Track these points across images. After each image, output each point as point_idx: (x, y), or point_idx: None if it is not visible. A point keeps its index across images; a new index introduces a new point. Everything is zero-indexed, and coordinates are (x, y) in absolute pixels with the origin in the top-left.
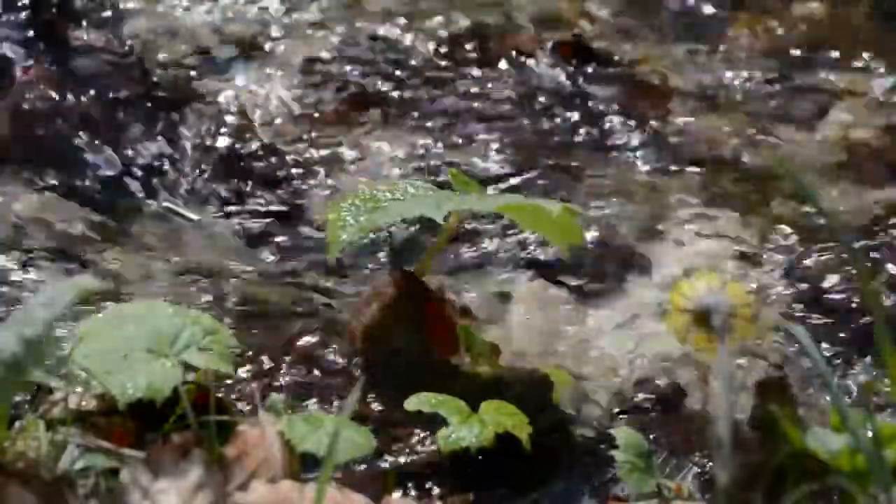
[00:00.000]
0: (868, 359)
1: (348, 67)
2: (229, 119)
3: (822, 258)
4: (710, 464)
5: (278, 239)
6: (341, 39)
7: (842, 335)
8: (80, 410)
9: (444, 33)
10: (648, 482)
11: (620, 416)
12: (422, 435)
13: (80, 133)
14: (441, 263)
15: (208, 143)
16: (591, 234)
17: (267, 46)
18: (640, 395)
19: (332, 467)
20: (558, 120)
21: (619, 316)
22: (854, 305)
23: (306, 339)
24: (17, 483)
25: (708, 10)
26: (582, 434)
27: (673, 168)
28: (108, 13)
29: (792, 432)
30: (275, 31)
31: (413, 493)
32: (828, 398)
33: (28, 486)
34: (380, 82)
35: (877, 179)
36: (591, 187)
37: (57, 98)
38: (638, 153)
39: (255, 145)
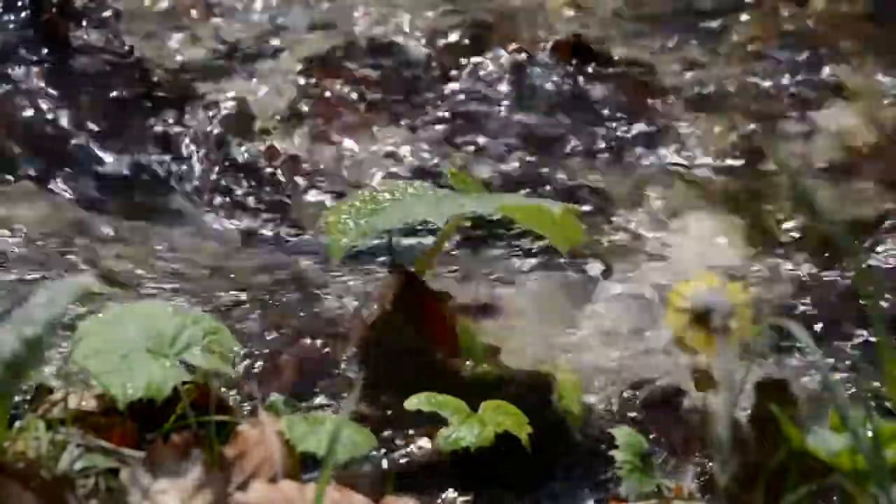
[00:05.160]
0: (867, 360)
1: (348, 67)
2: (229, 119)
3: (821, 259)
4: (710, 464)
5: (279, 238)
6: (340, 40)
7: (841, 336)
8: (80, 410)
9: (443, 33)
10: (648, 482)
11: (620, 416)
12: (422, 435)
13: (80, 133)
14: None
15: (208, 143)
16: (588, 233)
17: (267, 46)
18: (640, 396)
19: (332, 467)
20: (557, 120)
21: (617, 315)
22: (853, 307)
23: (306, 339)
24: (17, 483)
25: (708, 8)
26: (582, 434)
27: (672, 167)
28: (108, 13)
29: (792, 432)
30: (275, 32)
31: (413, 493)
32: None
33: (28, 486)
34: (379, 83)
35: (877, 180)
36: (590, 187)
37: (57, 98)
38: (637, 152)
39: (255, 145)
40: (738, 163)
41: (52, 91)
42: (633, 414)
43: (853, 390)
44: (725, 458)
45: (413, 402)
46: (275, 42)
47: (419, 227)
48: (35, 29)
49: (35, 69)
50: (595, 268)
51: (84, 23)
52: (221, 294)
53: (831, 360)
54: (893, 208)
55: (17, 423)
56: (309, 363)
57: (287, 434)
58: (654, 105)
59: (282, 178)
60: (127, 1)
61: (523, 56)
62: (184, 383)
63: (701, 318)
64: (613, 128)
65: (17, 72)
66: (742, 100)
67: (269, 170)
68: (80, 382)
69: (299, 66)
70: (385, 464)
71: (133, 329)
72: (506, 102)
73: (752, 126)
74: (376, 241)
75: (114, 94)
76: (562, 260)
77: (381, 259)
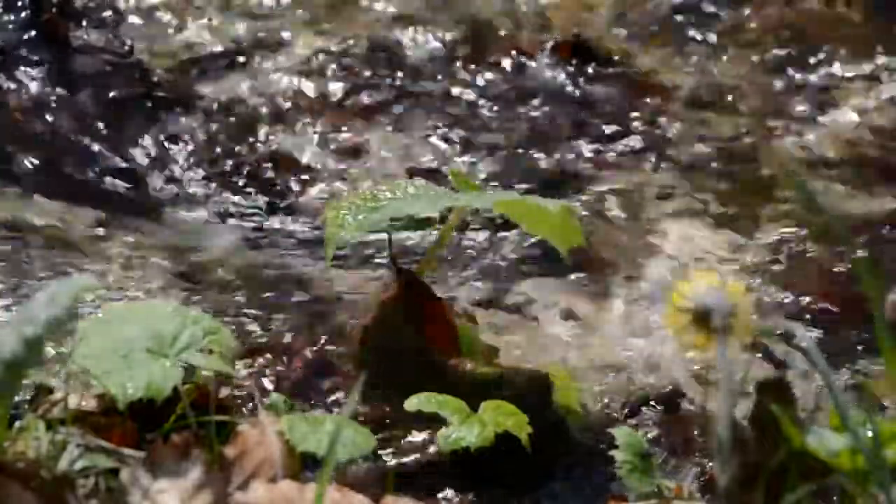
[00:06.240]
0: (868, 359)
1: (348, 67)
2: (229, 119)
3: (822, 258)
4: (710, 464)
5: (278, 238)
6: (341, 40)
7: (841, 335)
8: (80, 410)
9: (443, 33)
10: (648, 482)
11: (620, 416)
12: (422, 435)
13: (80, 133)
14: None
15: (208, 142)
16: (588, 234)
17: (267, 47)
18: (640, 395)
19: (332, 467)
20: (558, 120)
21: (618, 315)
22: (853, 306)
23: (306, 339)
24: (17, 483)
25: (708, 8)
26: (582, 434)
27: (672, 167)
28: (108, 13)
29: (792, 432)
30: (274, 32)
31: (413, 493)
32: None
33: (28, 486)
34: (380, 83)
35: (878, 179)
36: (591, 187)
37: (57, 98)
38: (637, 153)
39: (254, 145)
40: (738, 162)
41: (52, 91)
42: (633, 414)
43: (854, 390)
44: (725, 458)
45: (413, 402)
46: (275, 42)
47: (419, 226)
48: (35, 29)
49: (35, 69)
50: (593, 267)
51: (84, 23)
52: (221, 293)
53: (832, 360)
54: (893, 207)
55: (17, 423)
56: (309, 363)
57: (287, 434)
58: (654, 105)
59: (282, 178)
60: (127, 1)
61: (524, 56)
62: (184, 383)
63: (701, 317)
64: (613, 127)
65: (17, 72)
66: (742, 99)
67: (269, 169)
68: (80, 382)
69: (299, 66)
70: (385, 464)
71: (133, 329)
72: (506, 102)
73: (752, 125)
74: (376, 241)
75: (114, 94)
76: (560, 260)
77: (382, 259)
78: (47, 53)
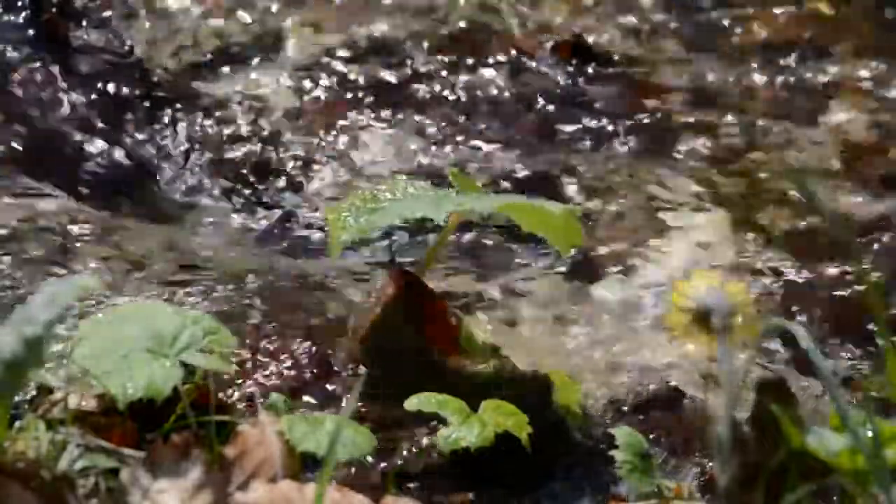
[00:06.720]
0: (868, 359)
1: (347, 67)
2: (229, 118)
3: (822, 258)
4: (710, 464)
5: (278, 237)
6: (340, 39)
7: (842, 335)
8: (80, 410)
9: (443, 33)
10: (648, 482)
11: (620, 416)
12: (422, 435)
13: (81, 133)
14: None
15: (208, 142)
16: (587, 234)
17: (266, 46)
18: (640, 396)
19: (332, 467)
20: (557, 120)
21: (617, 315)
22: (854, 306)
23: (307, 339)
24: (17, 483)
25: (707, 8)
26: (582, 434)
27: (672, 167)
28: (108, 13)
29: (792, 432)
30: (274, 31)
31: (413, 493)
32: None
33: (28, 486)
34: (379, 83)
35: (877, 179)
36: (590, 187)
37: (57, 98)
38: (637, 153)
39: (254, 144)
40: (738, 162)
41: (52, 91)
42: (633, 414)
43: (854, 390)
44: (725, 458)
45: (413, 402)
46: (274, 41)
47: (419, 226)
48: (35, 29)
49: (35, 69)
50: (593, 267)
51: (84, 23)
52: (221, 293)
53: (831, 360)
54: (893, 207)
55: (17, 423)
56: (309, 363)
57: (287, 434)
58: (653, 105)
59: (282, 177)
60: (127, 0)
61: (524, 57)
62: (184, 383)
63: (701, 317)
64: (613, 127)
65: (18, 72)
66: (742, 99)
67: (268, 168)
68: (80, 382)
69: (299, 65)
70: (385, 464)
71: (133, 329)
72: (506, 103)
73: (752, 125)
74: (377, 241)
75: (114, 94)
76: (560, 260)
77: (382, 259)
78: (47, 53)
